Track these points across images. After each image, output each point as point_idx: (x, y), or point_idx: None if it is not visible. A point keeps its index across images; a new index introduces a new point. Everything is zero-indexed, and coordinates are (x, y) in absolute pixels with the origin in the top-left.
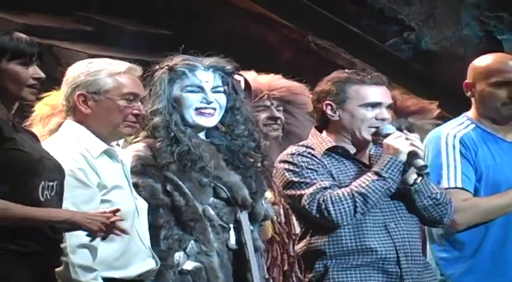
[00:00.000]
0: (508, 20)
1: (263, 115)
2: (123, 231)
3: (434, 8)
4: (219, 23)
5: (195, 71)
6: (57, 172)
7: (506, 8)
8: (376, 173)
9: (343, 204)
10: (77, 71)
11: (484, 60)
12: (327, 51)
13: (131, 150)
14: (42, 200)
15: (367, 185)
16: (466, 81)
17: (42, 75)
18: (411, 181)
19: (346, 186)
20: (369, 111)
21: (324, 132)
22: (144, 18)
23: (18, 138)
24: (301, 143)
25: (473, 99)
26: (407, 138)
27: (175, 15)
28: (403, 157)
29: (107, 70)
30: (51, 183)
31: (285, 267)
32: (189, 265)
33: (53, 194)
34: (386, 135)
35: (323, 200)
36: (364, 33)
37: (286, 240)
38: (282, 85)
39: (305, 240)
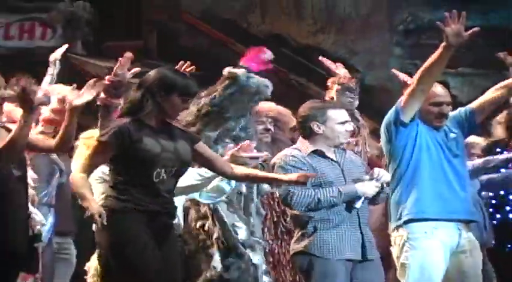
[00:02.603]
0: (420, 65)
1: (261, 127)
2: None
3: (373, 57)
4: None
5: None
6: (177, 161)
7: (420, 58)
8: (339, 192)
9: (303, 198)
10: None
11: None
12: (302, 85)
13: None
14: (156, 181)
15: (325, 196)
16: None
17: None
18: (372, 196)
19: (324, 175)
20: (342, 126)
21: (307, 141)
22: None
23: (145, 139)
24: (293, 146)
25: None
26: (376, 186)
27: (209, 60)
28: (365, 196)
29: None
30: (168, 169)
31: (275, 219)
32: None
33: (170, 176)
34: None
35: (292, 191)
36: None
37: (271, 202)
38: (275, 110)
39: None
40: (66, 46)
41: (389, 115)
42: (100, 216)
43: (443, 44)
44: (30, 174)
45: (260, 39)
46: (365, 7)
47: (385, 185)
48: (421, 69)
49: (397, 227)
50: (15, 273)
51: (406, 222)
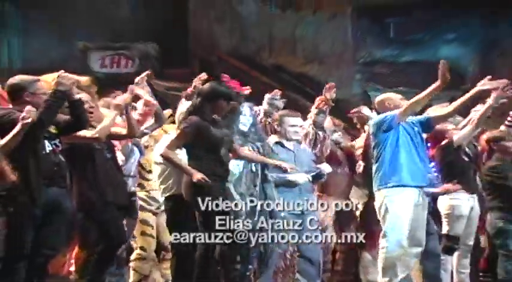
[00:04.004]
0: (372, 86)
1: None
2: None
3: (342, 80)
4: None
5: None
6: (230, 142)
7: (372, 81)
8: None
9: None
10: None
11: (388, 94)
12: (296, 99)
13: None
14: (222, 155)
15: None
16: (387, 105)
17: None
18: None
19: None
20: (291, 128)
21: (274, 135)
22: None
23: (211, 129)
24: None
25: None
26: (307, 177)
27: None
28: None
29: None
30: (227, 147)
31: None
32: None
33: (227, 151)
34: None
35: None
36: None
37: None
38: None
39: None
40: (148, 72)
41: (385, 119)
42: (203, 178)
43: (438, 83)
44: (119, 155)
45: (268, 68)
46: (338, 47)
47: (324, 175)
48: (418, 97)
49: (379, 189)
50: (122, 218)
51: (386, 187)
